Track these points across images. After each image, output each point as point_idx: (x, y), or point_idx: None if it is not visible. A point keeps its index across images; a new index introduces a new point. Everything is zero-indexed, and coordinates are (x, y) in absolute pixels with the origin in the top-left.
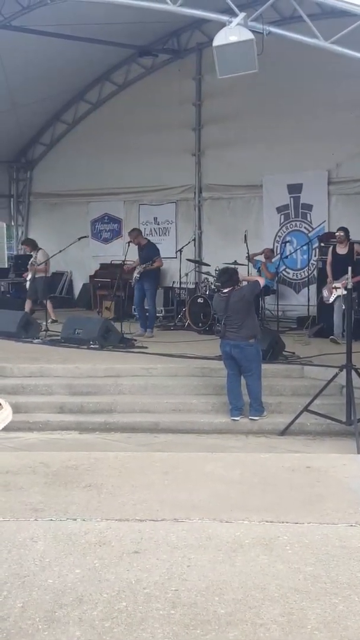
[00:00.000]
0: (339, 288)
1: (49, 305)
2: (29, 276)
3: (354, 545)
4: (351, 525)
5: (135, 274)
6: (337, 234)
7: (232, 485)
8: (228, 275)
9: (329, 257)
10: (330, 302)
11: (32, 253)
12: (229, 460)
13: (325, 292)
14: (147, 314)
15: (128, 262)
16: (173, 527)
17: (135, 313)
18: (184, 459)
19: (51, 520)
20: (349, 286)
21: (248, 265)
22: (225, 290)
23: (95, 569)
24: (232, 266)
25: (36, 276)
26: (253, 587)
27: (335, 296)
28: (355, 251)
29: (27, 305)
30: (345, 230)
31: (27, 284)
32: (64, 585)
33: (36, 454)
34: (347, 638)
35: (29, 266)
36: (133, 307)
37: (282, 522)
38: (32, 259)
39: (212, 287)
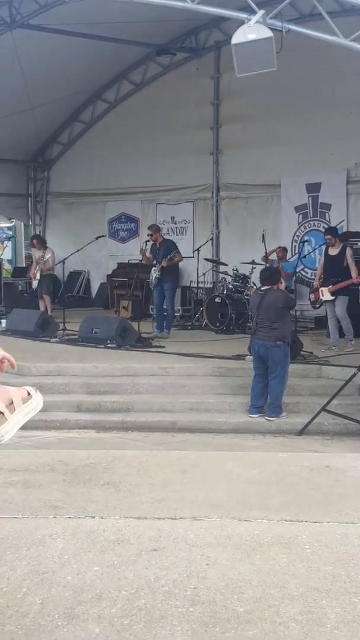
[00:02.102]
0: (325, 292)
1: (47, 299)
2: (37, 275)
3: None
4: None
5: (156, 274)
6: (326, 237)
7: (251, 484)
8: (268, 273)
9: (322, 259)
10: (317, 307)
11: (40, 251)
12: (247, 459)
13: (311, 297)
14: (165, 313)
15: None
16: (192, 525)
17: (153, 313)
18: (202, 458)
19: (70, 517)
20: None
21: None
22: (263, 288)
23: (114, 566)
24: (276, 267)
25: (44, 274)
26: (272, 586)
27: (321, 301)
28: (347, 254)
29: (42, 305)
30: (332, 231)
31: (35, 284)
32: (82, 582)
33: (55, 452)
34: None
35: (36, 263)
36: (151, 306)
37: (301, 521)
38: (39, 257)
39: (230, 286)
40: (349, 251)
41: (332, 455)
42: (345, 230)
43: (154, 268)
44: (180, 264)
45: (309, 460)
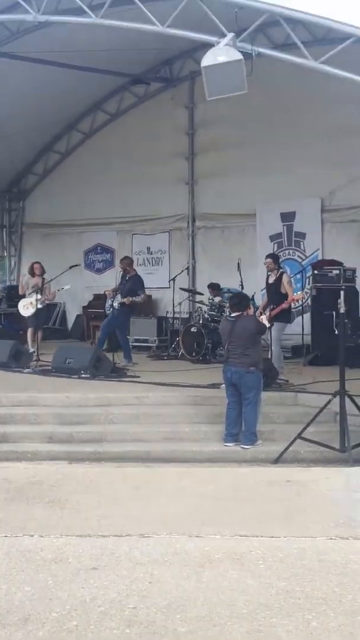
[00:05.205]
0: (264, 320)
1: (41, 333)
2: (38, 304)
3: (332, 559)
4: (331, 538)
5: (115, 304)
6: (265, 261)
7: (207, 499)
8: (238, 299)
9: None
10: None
11: (40, 277)
12: (204, 474)
13: None
14: (123, 347)
15: (107, 291)
16: (138, 542)
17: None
18: (157, 475)
19: (6, 536)
20: (342, 310)
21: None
22: (233, 315)
23: (47, 586)
24: (244, 293)
25: (45, 304)
26: (219, 604)
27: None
28: (283, 281)
29: (30, 335)
30: (273, 257)
31: (29, 312)
32: (10, 604)
33: (0, 469)
34: None
35: (41, 293)
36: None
37: (256, 536)
38: (35, 284)
39: (206, 316)
40: (285, 277)
41: (295, 469)
42: (320, 258)
43: (114, 296)
44: (157, 294)
45: (269, 475)
